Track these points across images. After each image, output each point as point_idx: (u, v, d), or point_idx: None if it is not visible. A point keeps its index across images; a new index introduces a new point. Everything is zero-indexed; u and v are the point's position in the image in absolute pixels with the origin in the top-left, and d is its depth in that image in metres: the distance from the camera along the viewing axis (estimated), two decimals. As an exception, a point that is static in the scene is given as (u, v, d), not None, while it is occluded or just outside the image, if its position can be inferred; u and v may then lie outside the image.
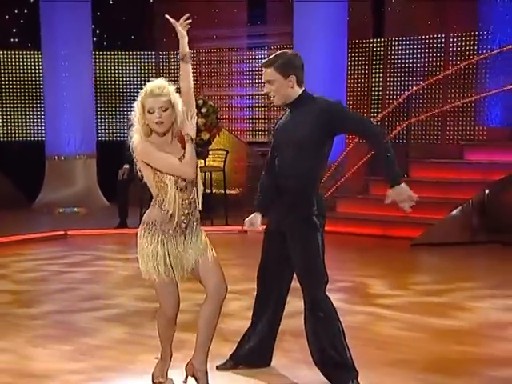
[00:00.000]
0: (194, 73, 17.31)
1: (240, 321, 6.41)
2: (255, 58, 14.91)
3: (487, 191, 10.68)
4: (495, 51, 12.09)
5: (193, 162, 4.62)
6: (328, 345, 5.04)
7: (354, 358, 5.02)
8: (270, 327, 5.44)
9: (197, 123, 13.68)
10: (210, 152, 12.43)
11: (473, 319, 6.88)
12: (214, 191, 12.29)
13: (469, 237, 10.52)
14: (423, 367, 5.52)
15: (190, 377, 4.93)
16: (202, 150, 12.31)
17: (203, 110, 12.34)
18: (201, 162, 12.17)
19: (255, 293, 5.47)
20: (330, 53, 12.01)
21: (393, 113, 12.68)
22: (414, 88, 12.64)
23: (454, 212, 10.61)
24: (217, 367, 5.38)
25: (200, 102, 12.46)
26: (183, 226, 4.70)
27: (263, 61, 5.11)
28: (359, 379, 4.98)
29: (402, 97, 12.41)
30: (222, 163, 12.34)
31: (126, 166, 11.73)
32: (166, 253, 4.69)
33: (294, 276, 5.25)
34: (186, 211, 4.69)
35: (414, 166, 12.02)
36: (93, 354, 5.85)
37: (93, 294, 7.87)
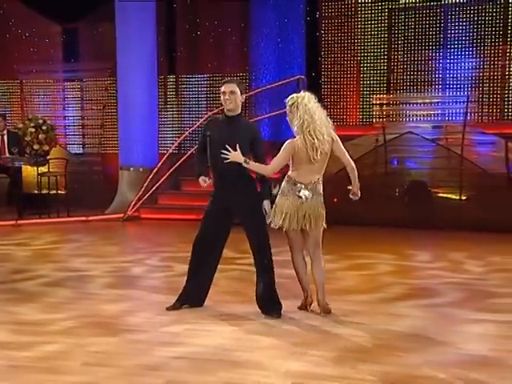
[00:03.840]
0: (18, 100, 16.22)
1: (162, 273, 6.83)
2: (70, 88, 14.63)
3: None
4: (262, 88, 12.61)
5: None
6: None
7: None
8: (208, 277, 5.68)
9: (38, 137, 13.18)
10: (53, 160, 11.87)
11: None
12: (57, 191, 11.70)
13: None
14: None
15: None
16: (43, 158, 11.94)
17: (44, 128, 11.94)
18: (44, 169, 11.73)
19: (190, 256, 5.58)
20: (145, 85, 12.11)
21: (191, 133, 12.78)
22: (210, 113, 12.75)
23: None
24: (166, 308, 5.56)
25: (41, 121, 12.05)
26: None
27: (226, 79, 5.49)
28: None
29: (198, 123, 12.45)
30: (64, 169, 11.93)
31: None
32: None
33: None
34: None
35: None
36: (63, 308, 5.70)
37: (15, 269, 7.43)
